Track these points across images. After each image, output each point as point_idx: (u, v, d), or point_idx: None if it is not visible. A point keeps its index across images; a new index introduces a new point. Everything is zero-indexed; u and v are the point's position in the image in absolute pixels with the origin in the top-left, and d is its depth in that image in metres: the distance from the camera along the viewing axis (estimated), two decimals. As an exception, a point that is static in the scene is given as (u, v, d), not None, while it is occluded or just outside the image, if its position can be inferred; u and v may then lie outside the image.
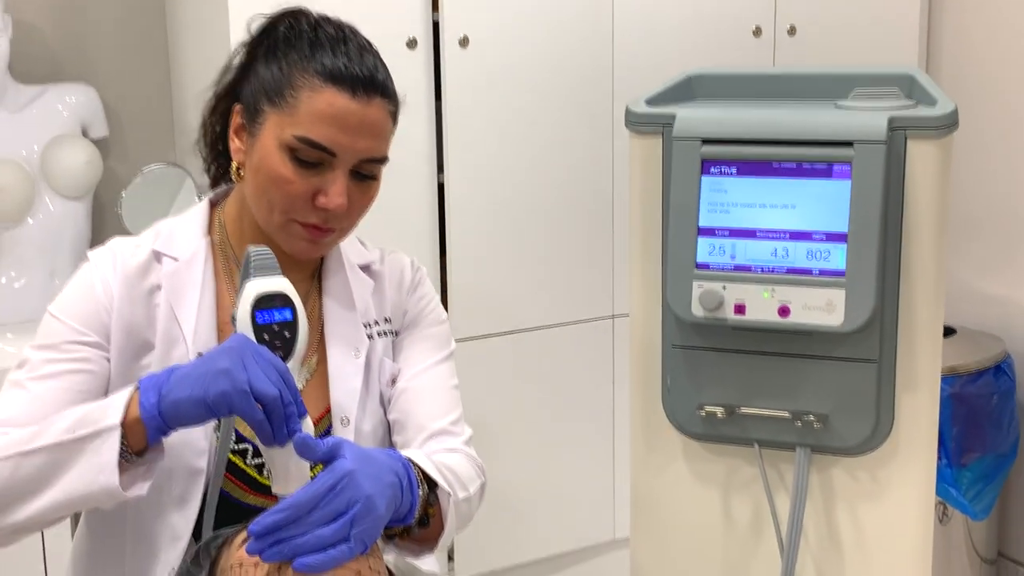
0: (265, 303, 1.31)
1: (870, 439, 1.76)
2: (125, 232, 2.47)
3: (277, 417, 1.24)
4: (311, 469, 1.49)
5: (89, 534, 1.52)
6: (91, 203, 2.68)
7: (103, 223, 2.75)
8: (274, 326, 1.31)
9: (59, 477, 1.28)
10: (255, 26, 1.52)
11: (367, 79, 1.43)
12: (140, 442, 1.29)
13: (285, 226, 1.46)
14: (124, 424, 1.27)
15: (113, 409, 1.28)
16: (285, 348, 1.31)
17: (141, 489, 1.31)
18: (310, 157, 1.42)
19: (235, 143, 1.49)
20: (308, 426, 1.29)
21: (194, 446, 1.43)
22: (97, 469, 1.26)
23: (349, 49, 1.44)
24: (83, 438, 1.27)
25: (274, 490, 1.30)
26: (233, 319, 1.32)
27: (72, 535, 2.33)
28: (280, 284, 1.32)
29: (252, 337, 1.29)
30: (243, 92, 1.49)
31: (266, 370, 1.25)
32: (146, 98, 2.80)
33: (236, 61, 1.52)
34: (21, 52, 2.63)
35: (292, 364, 1.31)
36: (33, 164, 2.58)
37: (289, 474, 1.28)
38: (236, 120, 1.48)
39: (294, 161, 1.42)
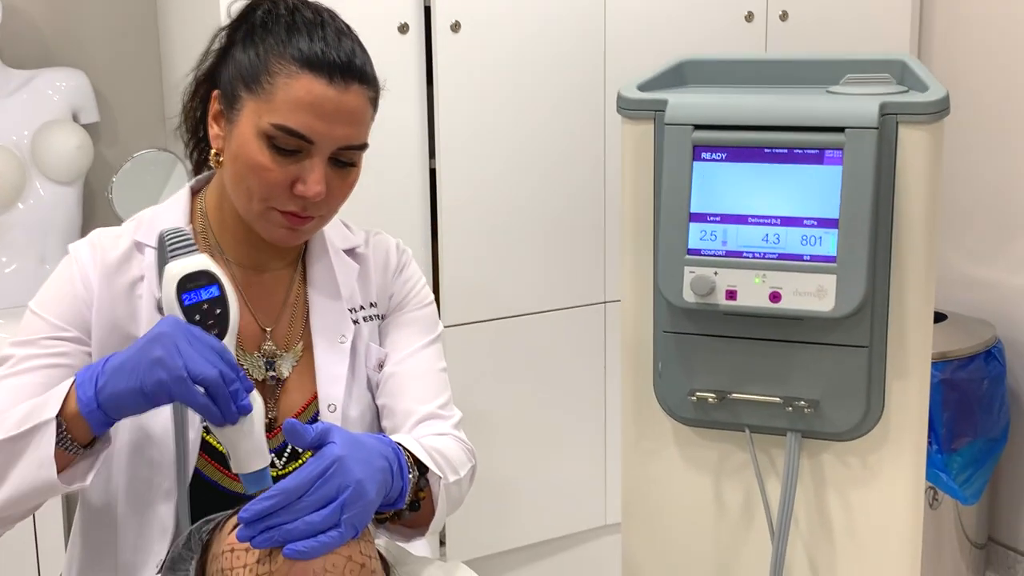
0: (189, 284, 1.28)
1: (860, 424, 1.77)
2: (116, 217, 2.46)
3: (221, 397, 1.23)
4: (300, 456, 1.50)
5: (82, 530, 1.52)
6: (82, 188, 2.67)
7: (94, 208, 2.74)
8: (203, 305, 1.28)
9: (10, 472, 1.28)
10: (234, 8, 1.50)
11: (344, 65, 1.41)
12: (85, 434, 1.28)
13: (264, 214, 1.44)
14: (65, 417, 1.26)
15: (52, 403, 1.27)
16: (219, 325, 1.29)
17: (85, 480, 1.30)
18: (288, 145, 1.40)
19: (214, 129, 1.47)
20: (256, 400, 1.27)
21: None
22: (38, 464, 1.26)
23: (327, 34, 1.42)
24: (26, 432, 1.26)
25: (234, 469, 1.28)
26: (158, 306, 1.29)
27: (64, 531, 2.33)
28: (201, 262, 1.30)
29: (183, 320, 1.27)
30: (221, 78, 1.46)
31: (202, 351, 1.23)
32: (137, 83, 2.79)
33: (215, 46, 1.50)
34: (11, 37, 2.62)
35: (228, 340, 1.29)
36: (23, 149, 2.58)
37: (247, 451, 1.26)
38: (214, 106, 1.46)
39: (272, 149, 1.40)
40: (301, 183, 1.41)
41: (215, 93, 1.46)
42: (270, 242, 1.49)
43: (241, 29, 1.46)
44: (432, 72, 2.45)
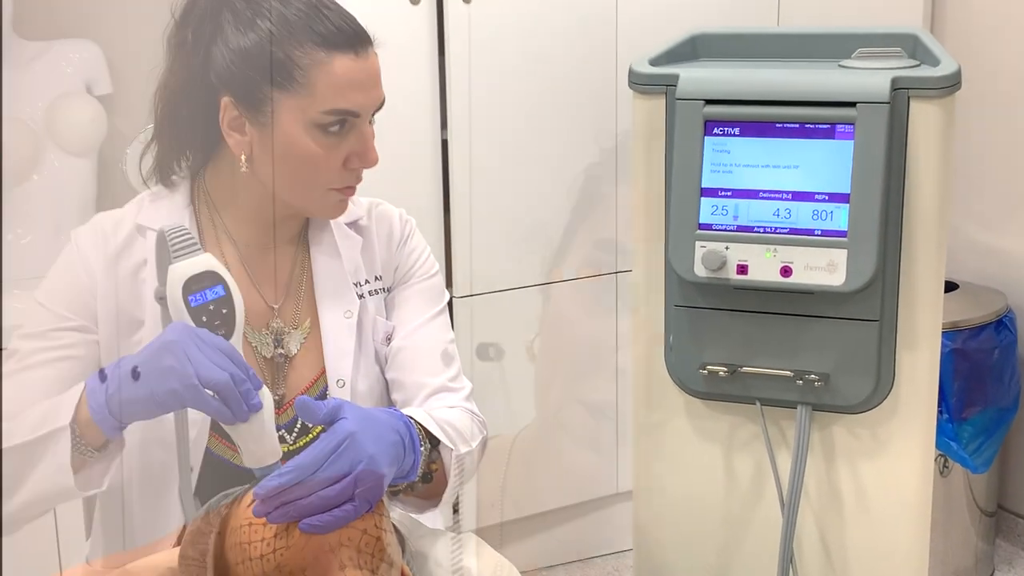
0: (195, 285, 1.28)
1: (871, 397, 1.78)
2: (131, 189, 2.47)
3: (233, 399, 1.23)
4: (310, 431, 1.51)
5: (101, 511, 1.54)
6: (96, 160, 2.68)
7: (108, 180, 2.75)
8: (209, 305, 1.28)
9: (29, 476, 1.29)
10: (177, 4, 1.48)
11: (358, 34, 1.43)
12: (98, 439, 1.29)
13: (324, 197, 1.47)
14: (78, 423, 1.27)
15: (64, 409, 1.28)
16: (226, 325, 1.29)
17: (101, 485, 1.32)
18: (336, 124, 1.42)
19: (234, 137, 1.45)
20: (266, 396, 1.28)
21: (191, 415, 1.43)
22: (55, 470, 1.27)
23: (330, 10, 1.43)
24: (42, 438, 1.28)
25: (246, 464, 1.29)
26: (161, 298, 1.29)
27: (83, 507, 2.35)
28: (206, 262, 1.29)
29: (190, 322, 1.27)
30: (226, 82, 1.43)
31: (211, 356, 1.23)
32: (150, 54, 2.79)
33: (191, 48, 1.47)
34: (24, 8, 2.62)
35: (235, 338, 1.30)
36: (37, 121, 2.58)
37: (259, 447, 1.27)
38: (229, 113, 1.44)
39: (323, 135, 1.42)
40: (356, 156, 1.45)
41: (225, 100, 1.43)
42: (323, 217, 1.53)
43: (210, 24, 1.45)
44: (444, 43, 2.45)
